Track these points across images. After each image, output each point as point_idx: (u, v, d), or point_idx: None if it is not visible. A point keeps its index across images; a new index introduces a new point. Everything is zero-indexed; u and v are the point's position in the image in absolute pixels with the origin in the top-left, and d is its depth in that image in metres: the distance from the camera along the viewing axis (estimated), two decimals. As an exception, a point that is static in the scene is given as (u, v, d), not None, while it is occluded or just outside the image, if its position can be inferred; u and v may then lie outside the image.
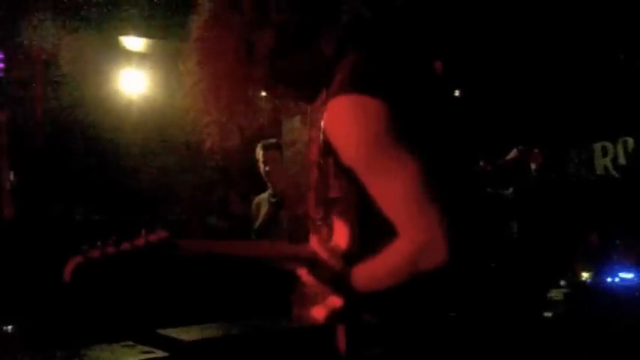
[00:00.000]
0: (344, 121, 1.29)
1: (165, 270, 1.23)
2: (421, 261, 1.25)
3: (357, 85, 1.30)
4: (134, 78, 5.34)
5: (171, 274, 1.24)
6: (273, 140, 4.04)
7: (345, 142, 1.31)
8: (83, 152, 5.27)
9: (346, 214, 1.40)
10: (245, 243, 1.41)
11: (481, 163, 4.46)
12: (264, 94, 1.47)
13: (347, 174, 1.35)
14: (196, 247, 1.29)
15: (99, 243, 1.19)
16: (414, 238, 1.26)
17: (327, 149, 1.38)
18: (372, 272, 1.33)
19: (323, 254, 1.35)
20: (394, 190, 1.26)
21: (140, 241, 1.21)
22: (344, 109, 1.29)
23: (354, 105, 1.28)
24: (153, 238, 1.21)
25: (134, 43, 5.21)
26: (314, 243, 1.38)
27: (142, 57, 5.27)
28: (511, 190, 4.64)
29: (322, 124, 1.36)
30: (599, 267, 3.67)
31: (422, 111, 1.35)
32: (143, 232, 1.22)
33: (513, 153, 4.54)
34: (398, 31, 1.52)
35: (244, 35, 1.38)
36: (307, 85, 1.46)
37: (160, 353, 2.59)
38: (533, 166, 4.60)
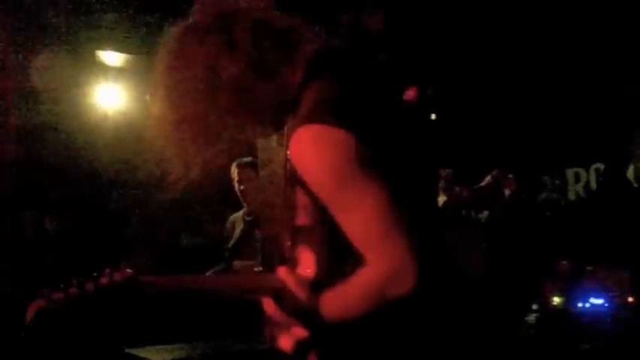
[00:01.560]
0: (308, 153, 1.29)
1: (131, 307, 1.21)
2: (388, 289, 1.25)
3: (321, 115, 1.30)
4: (110, 93, 5.31)
5: (137, 310, 1.23)
6: (248, 159, 4.02)
7: (310, 173, 1.31)
8: (57, 166, 5.20)
9: (312, 242, 1.39)
10: (210, 278, 1.40)
11: (457, 188, 4.51)
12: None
13: (314, 202, 1.35)
14: (161, 284, 1.27)
15: (62, 285, 1.18)
16: (380, 266, 1.26)
17: (293, 177, 1.37)
18: (339, 301, 1.32)
19: (290, 284, 1.35)
20: (360, 219, 1.27)
21: (104, 281, 1.19)
22: (308, 140, 1.29)
23: (317, 136, 1.28)
24: (117, 277, 1.20)
25: (111, 57, 5.18)
26: (281, 272, 1.37)
27: (118, 72, 5.24)
28: (486, 213, 4.68)
29: (288, 152, 1.36)
30: (571, 292, 3.70)
31: (389, 140, 1.35)
32: (107, 271, 1.21)
33: (488, 179, 4.60)
34: (367, 60, 1.53)
35: (209, 64, 1.38)
36: (272, 114, 1.45)
37: (127, 373, 2.54)
38: (507, 191, 4.66)
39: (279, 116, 1.47)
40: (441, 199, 4.34)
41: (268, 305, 1.39)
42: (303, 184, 1.34)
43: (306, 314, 1.33)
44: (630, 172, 4.68)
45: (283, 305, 1.36)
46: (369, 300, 1.28)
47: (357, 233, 1.28)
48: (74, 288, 1.17)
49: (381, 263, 1.25)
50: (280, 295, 1.36)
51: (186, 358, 2.88)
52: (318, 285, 1.36)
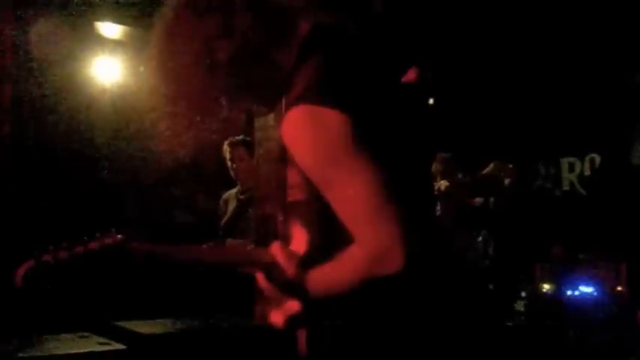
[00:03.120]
0: (298, 132, 1.30)
1: (119, 272, 1.22)
2: (375, 267, 1.26)
3: (313, 95, 1.30)
4: (108, 65, 5.26)
5: (127, 274, 1.24)
6: (239, 137, 4.03)
7: (300, 152, 1.32)
8: (52, 140, 5.18)
9: (304, 219, 1.40)
10: (201, 248, 1.40)
11: (460, 175, 4.53)
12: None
13: (306, 180, 1.35)
14: (152, 250, 1.27)
15: (51, 247, 1.18)
16: (368, 244, 1.26)
17: (285, 156, 1.38)
18: (326, 278, 1.33)
19: (280, 259, 1.35)
20: (349, 197, 1.27)
21: (94, 245, 1.20)
22: (298, 119, 1.30)
23: (307, 116, 1.29)
24: (107, 241, 1.20)
25: (110, 29, 5.13)
26: (273, 247, 1.38)
27: (115, 44, 5.20)
28: (479, 200, 4.70)
29: (280, 132, 1.36)
30: (561, 279, 3.72)
31: (382, 121, 1.35)
32: (97, 234, 1.21)
33: (491, 166, 4.61)
34: (365, 39, 1.52)
35: (206, 42, 1.38)
36: (266, 94, 1.46)
37: (116, 345, 2.56)
38: (507, 180, 4.68)
39: (273, 96, 1.47)
40: (443, 183, 4.35)
41: (259, 280, 1.40)
42: (295, 163, 1.35)
43: (295, 290, 1.34)
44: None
45: (274, 280, 1.37)
46: (355, 277, 1.29)
47: (346, 211, 1.29)
48: (64, 251, 1.18)
49: (368, 241, 1.26)
50: (271, 270, 1.36)
51: (174, 332, 2.90)
52: (309, 261, 1.37)
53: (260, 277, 1.40)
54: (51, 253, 1.18)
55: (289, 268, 1.35)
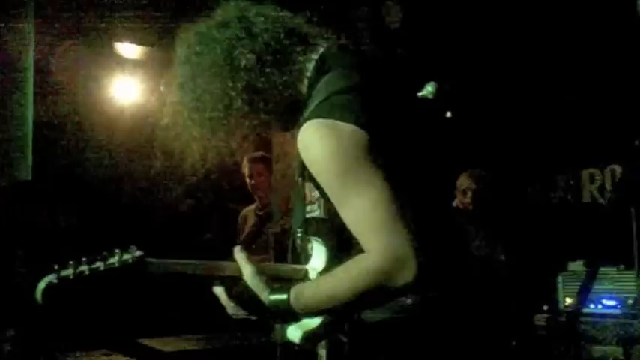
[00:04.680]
0: (313, 145, 1.32)
1: (138, 287, 1.24)
2: (385, 278, 1.26)
3: (327, 110, 1.33)
4: (127, 85, 5.33)
5: (146, 289, 1.25)
6: (258, 153, 4.05)
7: (315, 164, 1.34)
8: (73, 159, 5.24)
9: (323, 234, 1.41)
10: (217, 263, 1.41)
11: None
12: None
13: (323, 195, 1.37)
14: (169, 266, 1.29)
15: (71, 262, 1.20)
16: (377, 255, 1.26)
17: (302, 171, 1.40)
18: (328, 281, 1.33)
19: (298, 275, 1.36)
20: (360, 209, 1.28)
21: (113, 260, 1.22)
22: (314, 133, 1.32)
23: (323, 129, 1.31)
24: (126, 257, 1.22)
25: (128, 50, 5.20)
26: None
27: (134, 64, 5.27)
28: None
29: (297, 145, 1.38)
30: (582, 293, 3.68)
31: (397, 135, 1.37)
32: (117, 250, 1.23)
33: None
34: (382, 55, 1.55)
35: (229, 47, 1.42)
36: (284, 107, 1.48)
37: (138, 363, 2.57)
38: None
39: (291, 110, 1.49)
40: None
41: None
42: (311, 177, 1.36)
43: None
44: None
45: None
46: (359, 285, 1.28)
47: (357, 223, 1.30)
48: (84, 265, 1.20)
49: (377, 252, 1.26)
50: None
51: (196, 349, 2.91)
52: None
53: None
54: (71, 267, 1.20)
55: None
